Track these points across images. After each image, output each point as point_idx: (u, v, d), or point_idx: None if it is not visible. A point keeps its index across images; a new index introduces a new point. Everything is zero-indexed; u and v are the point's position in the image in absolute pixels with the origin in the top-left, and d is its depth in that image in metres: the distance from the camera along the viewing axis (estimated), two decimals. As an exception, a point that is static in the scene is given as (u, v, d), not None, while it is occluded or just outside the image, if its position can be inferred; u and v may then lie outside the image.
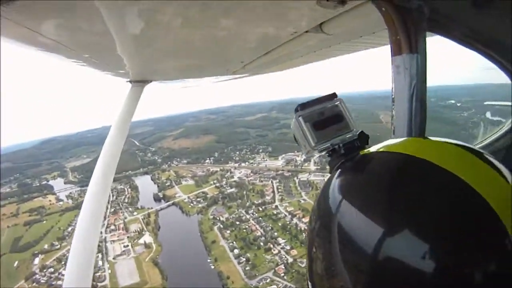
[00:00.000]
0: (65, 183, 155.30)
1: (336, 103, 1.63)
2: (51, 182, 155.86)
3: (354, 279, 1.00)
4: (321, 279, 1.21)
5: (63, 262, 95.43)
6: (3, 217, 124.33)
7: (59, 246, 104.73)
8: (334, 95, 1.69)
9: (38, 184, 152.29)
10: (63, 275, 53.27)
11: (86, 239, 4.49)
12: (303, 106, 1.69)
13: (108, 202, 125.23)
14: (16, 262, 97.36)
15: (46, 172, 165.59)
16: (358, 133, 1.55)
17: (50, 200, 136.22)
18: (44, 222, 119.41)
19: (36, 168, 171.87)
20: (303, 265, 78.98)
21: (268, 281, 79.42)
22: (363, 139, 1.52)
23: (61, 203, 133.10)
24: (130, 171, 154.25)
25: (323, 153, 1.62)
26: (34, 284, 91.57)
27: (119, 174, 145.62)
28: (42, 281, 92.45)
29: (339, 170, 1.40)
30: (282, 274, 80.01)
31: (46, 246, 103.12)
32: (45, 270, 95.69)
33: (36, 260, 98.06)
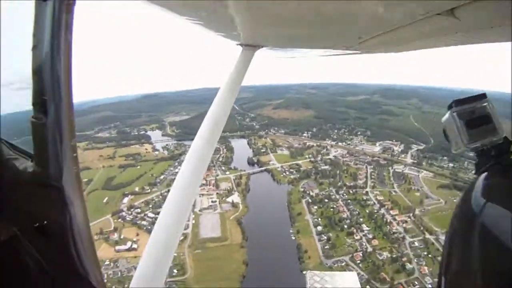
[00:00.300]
0: (162, 135, 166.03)
1: (485, 104, 1.65)
2: (149, 133, 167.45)
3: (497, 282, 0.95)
4: (461, 276, 1.17)
5: (150, 206, 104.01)
6: (100, 158, 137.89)
7: (149, 190, 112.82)
8: (483, 96, 1.70)
9: (136, 133, 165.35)
10: (148, 216, 79.19)
11: (185, 190, 4.51)
12: (458, 102, 1.76)
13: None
14: (106, 199, 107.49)
15: (144, 124, 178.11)
16: (503, 137, 1.54)
17: (146, 149, 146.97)
18: (138, 167, 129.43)
19: (135, 119, 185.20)
20: (380, 258, 78.88)
21: (343, 264, 78.85)
22: (508, 144, 1.49)
23: (156, 152, 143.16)
24: (227, 133, 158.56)
25: (471, 153, 1.61)
26: (119, 220, 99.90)
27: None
28: (128, 218, 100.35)
29: (490, 172, 1.34)
30: (358, 262, 79.12)
31: (137, 189, 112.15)
32: (132, 210, 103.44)
33: (125, 200, 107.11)
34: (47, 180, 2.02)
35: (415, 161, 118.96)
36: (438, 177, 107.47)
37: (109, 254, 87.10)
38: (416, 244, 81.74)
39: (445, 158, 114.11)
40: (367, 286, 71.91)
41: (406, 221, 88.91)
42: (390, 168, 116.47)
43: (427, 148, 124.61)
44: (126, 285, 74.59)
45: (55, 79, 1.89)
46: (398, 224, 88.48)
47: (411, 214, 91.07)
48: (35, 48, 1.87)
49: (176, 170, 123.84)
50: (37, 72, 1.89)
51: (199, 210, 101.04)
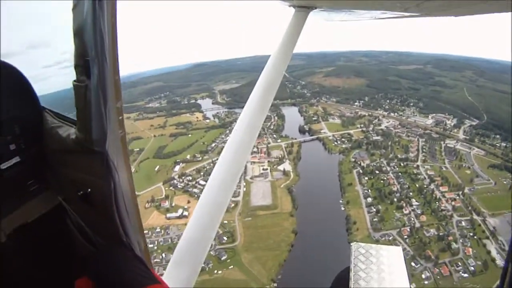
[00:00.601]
0: (213, 103, 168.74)
1: None
2: (199, 102, 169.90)
3: None
4: None
5: (201, 173, 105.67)
6: (151, 127, 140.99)
7: (200, 158, 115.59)
8: None
9: (186, 102, 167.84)
10: (200, 184, 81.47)
11: (235, 157, 4.35)
12: None
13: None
14: (157, 167, 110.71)
15: (195, 92, 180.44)
16: None
17: (197, 117, 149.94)
18: (190, 135, 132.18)
19: (185, 88, 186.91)
20: (427, 235, 79.41)
21: (390, 238, 79.05)
22: None
23: (207, 121, 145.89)
24: (278, 100, 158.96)
25: None
26: (171, 188, 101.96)
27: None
28: (179, 186, 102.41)
29: None
30: (405, 237, 79.75)
31: (188, 157, 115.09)
32: (183, 177, 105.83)
33: (177, 168, 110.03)
34: (90, 146, 2.06)
35: (468, 137, 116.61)
36: (490, 156, 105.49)
37: (160, 222, 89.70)
38: (463, 224, 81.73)
39: (497, 136, 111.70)
40: (412, 263, 72.54)
41: (455, 199, 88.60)
42: (442, 142, 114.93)
43: (480, 125, 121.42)
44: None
45: (98, 38, 1.85)
46: (447, 201, 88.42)
47: (460, 192, 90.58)
48: (75, 7, 1.88)
49: (227, 138, 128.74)
50: (78, 33, 1.90)
51: (250, 178, 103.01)
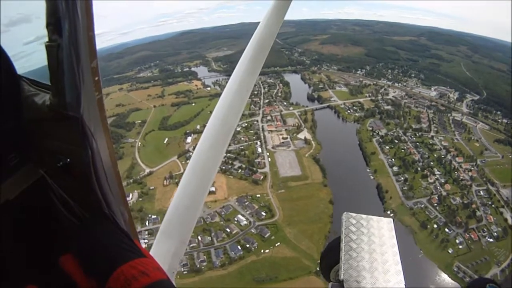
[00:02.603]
0: (209, 71, 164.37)
1: None
2: (194, 69, 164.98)
3: None
4: None
5: None
6: (148, 97, 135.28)
7: None
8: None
9: (180, 70, 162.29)
10: None
11: (226, 118, 4.32)
12: None
13: (261, 94, 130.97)
14: (166, 139, 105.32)
15: (187, 60, 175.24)
16: None
17: (196, 85, 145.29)
18: (193, 104, 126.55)
19: (175, 56, 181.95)
20: (454, 202, 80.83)
21: (422, 206, 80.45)
22: None
23: (208, 89, 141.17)
24: (278, 67, 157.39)
25: None
26: (188, 161, 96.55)
27: (267, 68, 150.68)
28: None
29: None
30: (435, 205, 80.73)
31: (198, 127, 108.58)
32: None
33: (189, 139, 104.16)
34: (65, 110, 1.89)
35: (471, 112, 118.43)
36: (494, 131, 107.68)
37: None
38: (482, 193, 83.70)
39: (498, 112, 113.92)
40: (445, 229, 74.59)
41: (470, 170, 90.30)
42: (449, 115, 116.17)
43: (481, 100, 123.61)
44: (212, 234, 73.67)
45: None
46: (464, 172, 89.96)
47: (473, 164, 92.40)
48: None
49: None
50: None
51: (272, 148, 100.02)
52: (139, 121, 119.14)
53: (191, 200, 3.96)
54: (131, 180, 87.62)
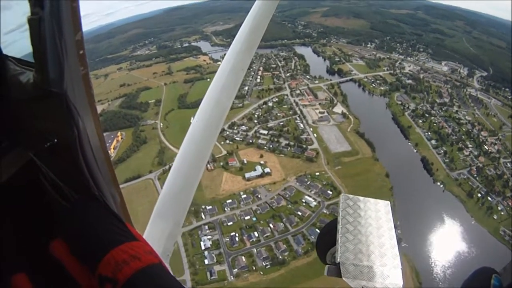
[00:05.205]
0: (212, 45, 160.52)
1: None
2: (195, 44, 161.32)
3: None
4: None
5: (255, 121, 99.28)
6: (155, 75, 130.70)
7: (241, 104, 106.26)
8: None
9: (180, 46, 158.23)
10: (261, 133, 78.16)
11: (222, 95, 4.33)
12: None
13: (280, 67, 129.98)
14: (192, 118, 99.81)
15: (184, 36, 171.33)
16: None
17: (204, 60, 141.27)
18: (208, 80, 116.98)
19: (170, 32, 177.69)
20: (490, 173, 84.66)
21: (465, 177, 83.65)
22: None
23: (218, 63, 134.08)
24: (285, 40, 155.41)
25: None
26: (227, 141, 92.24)
27: (274, 41, 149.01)
28: (237, 138, 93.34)
29: None
30: (475, 175, 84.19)
31: None
32: (236, 128, 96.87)
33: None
34: (48, 87, 1.87)
35: (483, 88, 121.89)
36: (506, 107, 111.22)
37: (240, 185, 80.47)
38: (509, 165, 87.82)
39: (507, 89, 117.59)
40: (488, 197, 78.71)
41: (495, 143, 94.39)
42: (464, 90, 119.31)
43: (489, 76, 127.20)
44: (284, 219, 71.51)
45: None
46: (490, 145, 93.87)
47: (496, 138, 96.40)
48: None
49: (251, 78, 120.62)
50: None
51: (313, 123, 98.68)
52: (153, 101, 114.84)
53: (185, 181, 4.00)
54: (167, 167, 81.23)
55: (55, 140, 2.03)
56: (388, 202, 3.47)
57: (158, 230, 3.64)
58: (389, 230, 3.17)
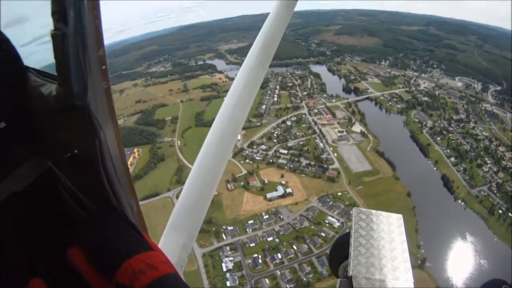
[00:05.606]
0: (226, 64, 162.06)
1: None
2: (210, 62, 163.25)
3: None
4: None
5: (275, 140, 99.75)
6: (171, 93, 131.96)
7: (259, 123, 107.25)
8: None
9: (194, 64, 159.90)
10: (281, 153, 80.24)
11: (233, 114, 4.38)
12: None
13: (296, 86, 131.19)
14: None
15: (198, 53, 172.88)
16: None
17: (220, 78, 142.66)
18: (225, 98, 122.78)
19: (184, 50, 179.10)
20: (510, 189, 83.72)
21: (485, 194, 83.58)
22: None
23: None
24: (300, 59, 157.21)
25: None
26: (247, 161, 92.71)
27: (289, 60, 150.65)
28: (257, 158, 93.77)
29: None
30: (495, 192, 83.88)
31: None
32: (255, 147, 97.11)
33: (238, 135, 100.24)
34: (71, 101, 1.90)
35: (498, 102, 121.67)
36: None
37: (262, 206, 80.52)
38: None
39: None
40: (509, 213, 78.02)
41: None
42: (479, 105, 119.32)
43: (503, 90, 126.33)
44: (307, 240, 71.40)
45: None
46: (508, 160, 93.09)
47: None
48: None
49: (268, 97, 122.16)
50: None
51: (332, 142, 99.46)
52: (169, 118, 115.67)
53: (200, 194, 4.11)
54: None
55: (75, 151, 2.19)
56: (401, 216, 3.62)
57: (172, 242, 3.75)
58: (401, 243, 3.26)
